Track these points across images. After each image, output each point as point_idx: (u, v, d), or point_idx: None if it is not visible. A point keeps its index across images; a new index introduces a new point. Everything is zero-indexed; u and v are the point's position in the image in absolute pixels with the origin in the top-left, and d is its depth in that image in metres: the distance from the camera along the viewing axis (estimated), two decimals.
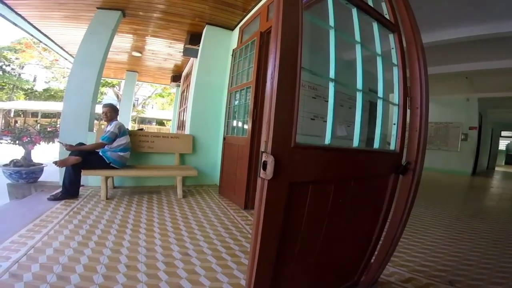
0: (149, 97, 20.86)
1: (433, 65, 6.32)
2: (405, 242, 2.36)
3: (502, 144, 18.40)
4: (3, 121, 16.63)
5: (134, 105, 16.36)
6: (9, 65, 18.78)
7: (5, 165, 3.41)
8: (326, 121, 1.12)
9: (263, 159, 0.81)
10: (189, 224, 2.53)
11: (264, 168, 0.80)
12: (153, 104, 23.86)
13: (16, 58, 18.13)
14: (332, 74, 1.08)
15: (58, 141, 3.18)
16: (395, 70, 1.44)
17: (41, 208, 2.64)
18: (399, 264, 1.96)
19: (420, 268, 1.92)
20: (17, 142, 3.56)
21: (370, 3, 1.37)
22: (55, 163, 2.91)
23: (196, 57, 4.78)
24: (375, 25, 1.38)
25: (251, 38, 3.40)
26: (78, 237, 2.05)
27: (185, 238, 2.21)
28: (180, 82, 8.37)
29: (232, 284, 1.58)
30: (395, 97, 1.44)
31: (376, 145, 1.38)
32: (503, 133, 16.12)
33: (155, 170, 3.55)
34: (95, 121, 4.14)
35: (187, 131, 4.56)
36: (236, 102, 3.63)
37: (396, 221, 1.48)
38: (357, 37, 1.26)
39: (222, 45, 4.52)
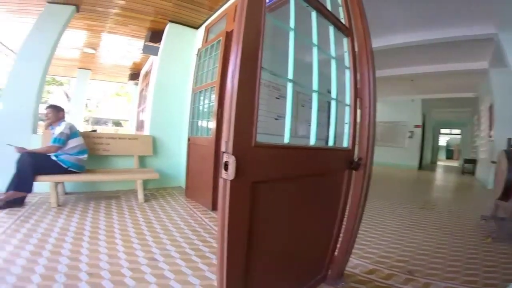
0: (104, 96, 19.48)
1: (382, 68, 6.97)
2: (365, 234, 2.51)
3: (443, 141, 20.81)
4: None
5: (86, 105, 15.16)
6: None
7: None
8: None
9: (225, 159, 0.81)
10: (153, 228, 2.45)
11: (226, 169, 0.81)
12: (108, 104, 22.27)
13: None
14: (290, 74, 1.14)
15: (7, 144, 2.84)
16: (347, 73, 1.57)
17: None
18: (362, 256, 2.06)
19: (381, 259, 2.02)
20: None
21: (329, 7, 1.46)
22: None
23: (157, 55, 4.60)
24: (331, 29, 1.49)
25: (216, 37, 3.38)
26: (29, 246, 1.88)
27: (150, 243, 2.13)
28: (138, 80, 7.97)
29: (204, 285, 1.57)
30: (347, 98, 1.56)
31: (330, 143, 1.49)
32: (442, 131, 18.31)
33: (112, 174, 3.35)
34: (40, 122, 3.78)
35: (146, 131, 4.38)
36: (201, 102, 3.59)
37: (352, 214, 1.60)
38: (315, 40, 1.34)
39: (185, 43, 4.41)
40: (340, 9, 1.60)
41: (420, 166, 10.57)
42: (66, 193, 3.42)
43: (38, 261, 1.69)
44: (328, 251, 1.60)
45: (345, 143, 1.56)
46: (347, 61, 1.58)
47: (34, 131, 3.47)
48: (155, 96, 4.29)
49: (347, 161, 1.52)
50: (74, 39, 5.29)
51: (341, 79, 1.55)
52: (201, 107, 3.58)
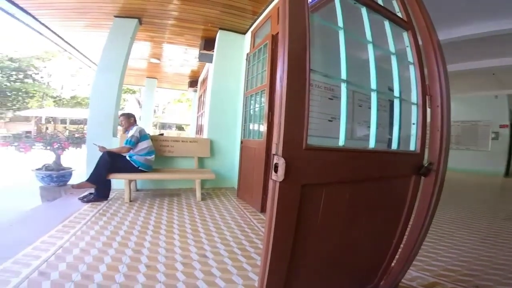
0: (168, 102, 21.46)
1: (455, 62, 6.01)
2: (430, 246, 2.27)
3: None
4: (35, 128, 17.67)
5: (154, 111, 16.89)
6: (37, 73, 19.44)
7: (38, 169, 3.65)
8: None
9: (275, 161, 0.81)
10: (207, 226, 2.58)
11: (276, 171, 0.81)
12: (172, 109, 24.50)
13: (44, 67, 19.12)
14: (343, 75, 1.07)
15: (93, 143, 3.41)
16: (412, 69, 1.40)
17: (70, 209, 2.79)
18: (423, 268, 1.88)
19: (445, 272, 1.84)
20: (48, 147, 3.80)
21: (380, 1, 1.34)
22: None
23: (211, 62, 4.85)
24: (386, 24, 1.35)
25: (263, 41, 3.42)
26: (102, 238, 2.15)
27: (203, 240, 2.25)
28: (197, 87, 8.55)
29: (246, 285, 1.60)
30: (413, 96, 1.39)
31: (394, 145, 1.34)
32: None
33: (175, 174, 3.66)
34: (119, 127, 4.33)
35: (205, 135, 4.65)
36: (252, 106, 3.66)
37: (418, 224, 1.42)
38: (369, 36, 1.24)
39: (235, 49, 4.57)
40: (394, 2, 1.45)
41: (507, 173, 8.83)
42: (138, 190, 3.85)
43: (107, 251, 1.92)
44: (384, 260, 1.46)
45: (412, 146, 1.38)
46: (410, 56, 1.41)
47: (114, 135, 3.98)
48: (211, 101, 4.53)
49: (415, 166, 1.35)
50: (141, 50, 5.91)
51: (404, 75, 1.39)
52: (252, 111, 3.65)
